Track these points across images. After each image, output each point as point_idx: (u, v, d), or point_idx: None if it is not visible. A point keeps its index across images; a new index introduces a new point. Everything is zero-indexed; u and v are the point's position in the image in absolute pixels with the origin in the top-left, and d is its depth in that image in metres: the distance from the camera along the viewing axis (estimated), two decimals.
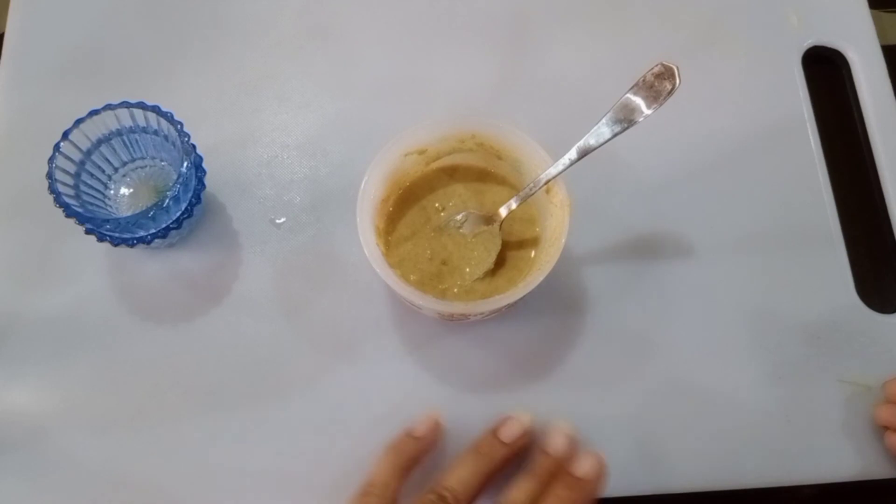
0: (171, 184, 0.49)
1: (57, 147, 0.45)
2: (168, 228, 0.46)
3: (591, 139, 0.42)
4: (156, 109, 0.46)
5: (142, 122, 0.47)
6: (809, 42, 0.58)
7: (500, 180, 0.48)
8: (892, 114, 0.56)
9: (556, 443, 0.41)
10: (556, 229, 0.43)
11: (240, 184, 0.53)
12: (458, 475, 0.40)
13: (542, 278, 0.41)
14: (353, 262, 0.50)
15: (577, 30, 0.58)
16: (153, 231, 0.45)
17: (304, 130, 0.54)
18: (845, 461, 0.47)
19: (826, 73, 0.58)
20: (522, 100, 0.55)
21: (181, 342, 0.48)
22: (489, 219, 0.46)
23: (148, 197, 0.50)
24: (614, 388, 0.48)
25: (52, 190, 0.44)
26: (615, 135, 0.41)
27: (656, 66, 0.40)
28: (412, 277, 0.46)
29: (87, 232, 0.45)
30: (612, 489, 0.45)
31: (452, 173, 0.48)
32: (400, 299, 0.47)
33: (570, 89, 0.55)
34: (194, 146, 0.47)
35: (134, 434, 0.46)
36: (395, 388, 0.47)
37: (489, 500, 0.41)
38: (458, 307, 0.43)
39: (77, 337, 0.48)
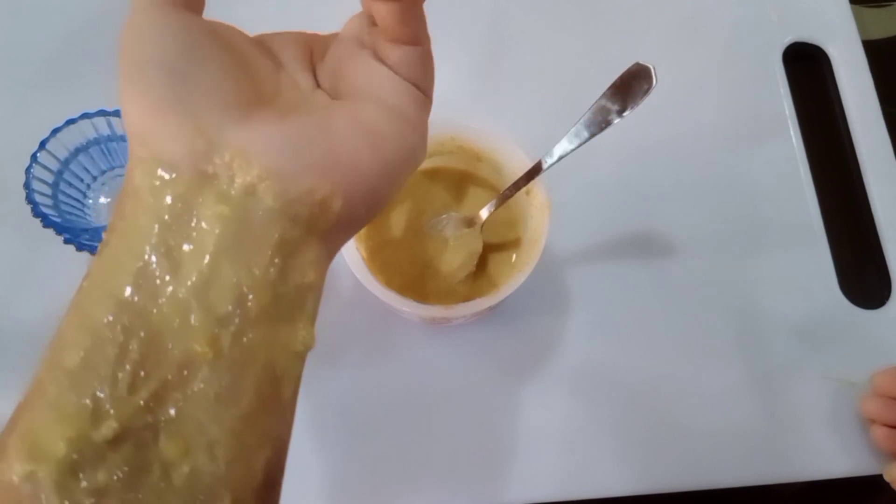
0: None
1: (34, 157, 0.44)
2: None
3: (569, 140, 0.42)
4: None
5: (119, 131, 0.47)
6: (790, 38, 0.58)
7: (480, 182, 0.48)
8: (874, 109, 0.56)
9: None
10: (537, 231, 0.43)
11: None
12: None
13: (523, 280, 0.41)
14: (334, 269, 0.49)
15: (556, 31, 0.58)
16: None
17: None
18: (831, 458, 0.47)
19: (807, 69, 0.59)
20: (502, 102, 0.55)
21: None
22: (470, 221, 0.46)
23: None
24: (598, 389, 0.48)
25: (30, 200, 0.43)
26: (593, 135, 0.41)
27: (633, 65, 0.40)
28: (394, 282, 0.45)
29: (66, 241, 0.44)
30: (598, 490, 0.46)
31: (433, 176, 0.48)
32: (382, 304, 0.47)
33: (550, 90, 0.55)
34: None
35: None
36: (378, 394, 0.47)
37: None
38: (440, 311, 0.43)
39: None
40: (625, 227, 0.52)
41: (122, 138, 0.47)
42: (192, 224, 0.21)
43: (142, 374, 0.20)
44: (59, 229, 0.43)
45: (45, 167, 0.45)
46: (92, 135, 0.46)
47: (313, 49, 0.28)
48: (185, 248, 0.21)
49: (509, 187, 0.44)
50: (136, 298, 0.20)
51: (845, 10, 0.59)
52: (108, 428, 0.19)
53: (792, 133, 0.55)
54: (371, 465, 0.46)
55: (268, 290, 0.21)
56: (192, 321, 0.20)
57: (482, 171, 0.48)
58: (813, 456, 0.47)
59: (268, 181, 0.21)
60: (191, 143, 0.21)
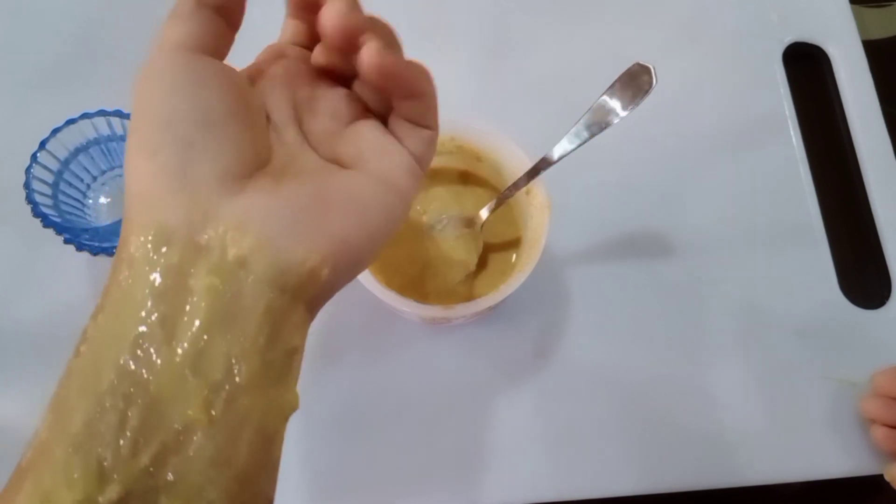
0: None
1: (34, 157, 0.44)
2: None
3: (569, 140, 0.42)
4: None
5: (119, 131, 0.47)
6: (790, 38, 0.58)
7: (480, 182, 0.48)
8: (874, 109, 0.56)
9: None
10: (537, 231, 0.43)
11: None
12: None
13: (523, 280, 0.41)
14: None
15: (556, 30, 0.58)
16: None
17: None
18: (831, 458, 0.47)
19: (807, 69, 0.59)
20: (501, 102, 0.55)
21: None
22: (470, 221, 0.46)
23: None
24: (599, 389, 0.48)
25: (30, 200, 0.43)
26: (593, 135, 0.41)
27: (633, 65, 0.40)
28: (394, 282, 0.45)
29: (66, 241, 0.44)
30: (598, 490, 0.45)
31: (433, 176, 0.48)
32: (382, 304, 0.47)
33: (550, 90, 0.55)
34: None
35: None
36: (378, 393, 0.47)
37: None
38: (440, 311, 0.43)
39: (57, 347, 0.47)
40: (625, 227, 0.52)
41: (122, 138, 0.47)
42: (185, 294, 0.22)
43: (141, 439, 0.20)
44: (59, 229, 0.44)
45: (45, 167, 0.45)
46: (92, 135, 0.46)
47: (296, 97, 0.28)
48: (179, 317, 0.22)
49: (509, 187, 0.44)
50: (132, 366, 0.21)
51: (845, 10, 0.59)
52: (113, 491, 0.20)
53: (792, 133, 0.55)
54: (371, 465, 0.46)
55: (257, 357, 0.22)
56: (187, 388, 0.21)
57: (482, 171, 0.48)
58: (813, 456, 0.47)
59: (259, 252, 0.22)
60: (188, 214, 0.22)
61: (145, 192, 0.23)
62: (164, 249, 0.22)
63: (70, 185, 0.47)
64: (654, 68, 0.40)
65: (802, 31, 0.58)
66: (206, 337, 0.21)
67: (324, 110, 0.28)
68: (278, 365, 0.23)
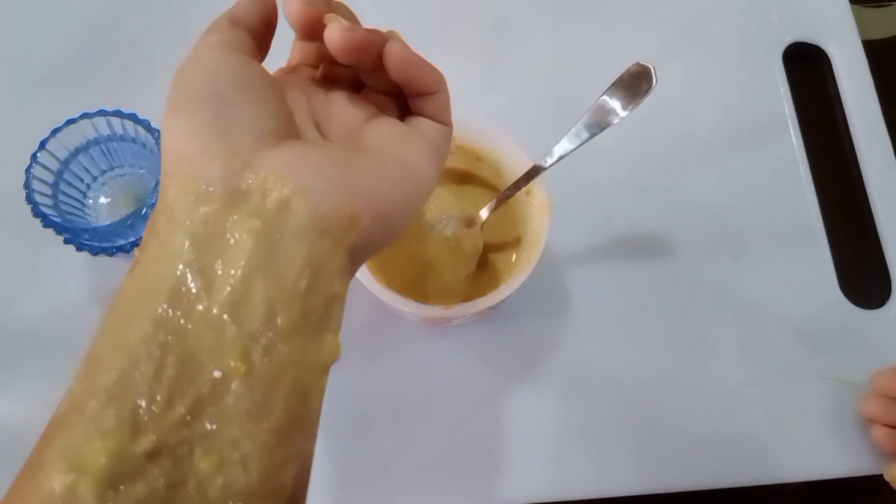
0: (149, 192, 0.48)
1: (34, 157, 0.44)
2: None
3: (569, 140, 0.42)
4: (133, 117, 0.45)
5: (119, 131, 0.46)
6: (790, 38, 0.58)
7: (480, 182, 0.48)
8: (874, 109, 0.56)
9: None
10: (537, 231, 0.43)
11: None
12: None
13: (523, 280, 0.41)
14: None
15: (556, 30, 0.58)
16: (132, 240, 0.45)
17: None
18: (831, 458, 0.47)
19: (807, 69, 0.59)
20: (502, 101, 0.55)
21: None
22: (470, 221, 0.46)
23: (127, 205, 0.49)
24: (599, 389, 0.48)
25: (30, 200, 0.43)
26: (593, 135, 0.41)
27: (633, 65, 0.40)
28: (394, 282, 0.45)
29: (66, 241, 0.44)
30: (598, 490, 0.45)
31: None
32: (382, 304, 0.47)
33: (550, 90, 0.55)
34: None
35: None
36: (378, 393, 0.47)
37: None
38: (440, 311, 0.43)
39: (57, 346, 0.47)
40: (625, 227, 0.52)
41: (122, 138, 0.47)
42: (225, 240, 0.22)
43: (177, 389, 0.20)
44: (59, 229, 0.44)
45: (45, 167, 0.45)
46: (92, 135, 0.46)
47: (312, 103, 0.29)
48: (218, 264, 0.21)
49: (509, 187, 0.44)
50: (171, 316, 0.21)
51: (845, 10, 0.59)
52: (147, 441, 0.20)
53: (792, 133, 0.55)
54: (371, 465, 0.46)
55: (297, 303, 0.22)
56: (226, 337, 0.21)
57: (482, 171, 0.48)
58: (813, 456, 0.47)
59: (301, 196, 0.22)
60: (227, 162, 0.22)
61: (184, 147, 0.23)
62: (204, 196, 0.22)
63: (70, 185, 0.47)
64: (654, 68, 0.40)
65: (802, 31, 0.58)
66: (246, 282, 0.21)
67: (340, 113, 0.29)
68: (319, 312, 0.23)
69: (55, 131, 0.45)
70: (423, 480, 0.45)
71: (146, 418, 0.20)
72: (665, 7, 0.59)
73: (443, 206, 0.47)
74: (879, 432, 0.45)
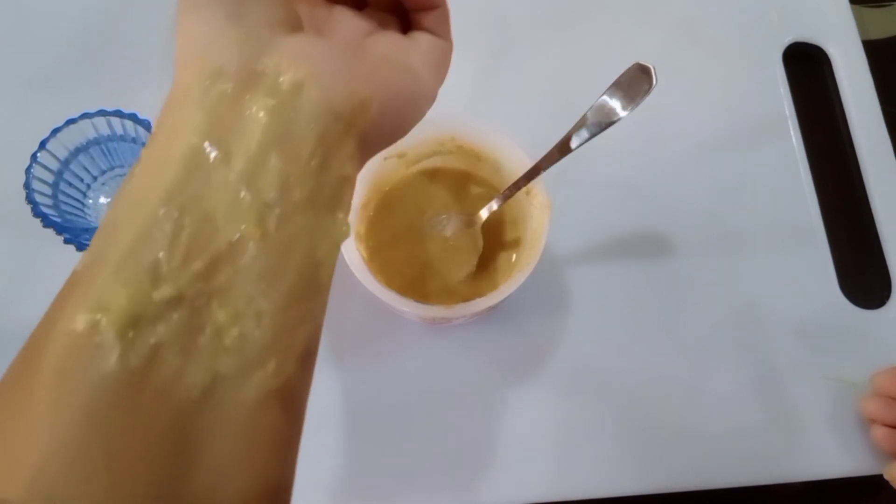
0: None
1: (34, 157, 0.44)
2: None
3: (569, 140, 0.42)
4: (133, 117, 0.45)
5: (119, 131, 0.47)
6: (790, 38, 0.58)
7: (480, 182, 0.48)
8: (874, 109, 0.56)
9: None
10: (537, 231, 0.43)
11: None
12: None
13: (523, 280, 0.41)
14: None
15: (557, 31, 0.58)
16: None
17: None
18: (831, 458, 0.47)
19: (807, 69, 0.59)
20: (502, 101, 0.55)
21: None
22: (470, 221, 0.46)
23: None
24: (598, 389, 0.48)
25: (30, 200, 0.43)
26: (593, 135, 0.41)
27: (633, 65, 0.40)
28: (394, 282, 0.45)
29: (67, 241, 0.44)
30: (598, 490, 0.45)
31: (433, 176, 0.48)
32: (382, 304, 0.47)
33: (550, 90, 0.55)
34: None
35: None
36: (378, 393, 0.47)
37: None
38: (440, 311, 0.43)
39: None
40: (625, 227, 0.52)
41: (122, 138, 0.47)
42: (241, 116, 0.22)
43: (195, 247, 0.21)
44: (59, 229, 0.44)
45: (45, 167, 0.45)
46: (92, 135, 0.46)
47: (315, 14, 0.29)
48: (235, 137, 0.22)
49: (509, 187, 0.44)
50: (188, 182, 0.22)
51: (845, 10, 0.59)
52: (167, 290, 0.21)
53: (792, 133, 0.55)
54: (371, 465, 0.46)
55: (310, 179, 0.23)
56: (241, 205, 0.22)
57: (482, 171, 0.48)
58: (813, 456, 0.47)
59: (314, 79, 0.23)
60: (242, 47, 0.23)
61: (198, 39, 0.23)
62: (220, 76, 0.23)
63: (70, 185, 0.47)
64: (654, 68, 0.40)
65: (802, 31, 0.58)
66: (261, 155, 0.22)
67: (343, 26, 0.29)
68: (330, 191, 0.24)
69: (55, 131, 0.45)
70: (423, 480, 0.45)
71: (165, 270, 0.21)
72: (665, 7, 0.59)
73: (443, 206, 0.47)
74: (879, 432, 0.45)
